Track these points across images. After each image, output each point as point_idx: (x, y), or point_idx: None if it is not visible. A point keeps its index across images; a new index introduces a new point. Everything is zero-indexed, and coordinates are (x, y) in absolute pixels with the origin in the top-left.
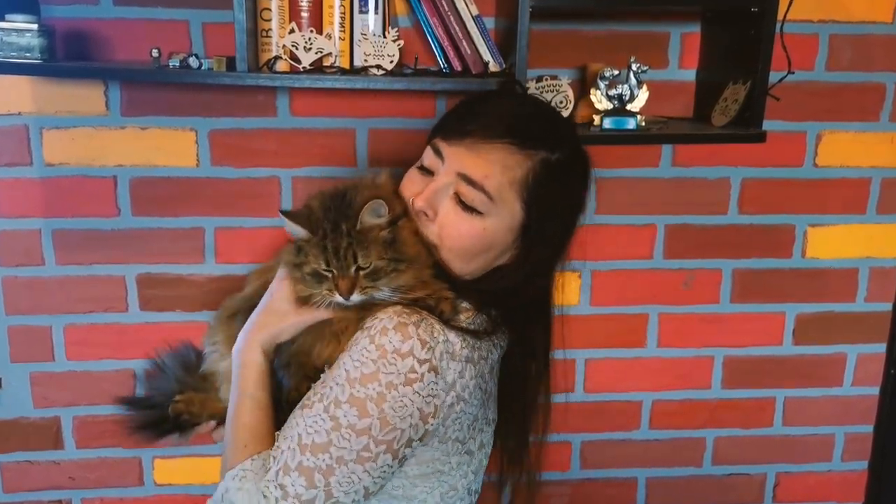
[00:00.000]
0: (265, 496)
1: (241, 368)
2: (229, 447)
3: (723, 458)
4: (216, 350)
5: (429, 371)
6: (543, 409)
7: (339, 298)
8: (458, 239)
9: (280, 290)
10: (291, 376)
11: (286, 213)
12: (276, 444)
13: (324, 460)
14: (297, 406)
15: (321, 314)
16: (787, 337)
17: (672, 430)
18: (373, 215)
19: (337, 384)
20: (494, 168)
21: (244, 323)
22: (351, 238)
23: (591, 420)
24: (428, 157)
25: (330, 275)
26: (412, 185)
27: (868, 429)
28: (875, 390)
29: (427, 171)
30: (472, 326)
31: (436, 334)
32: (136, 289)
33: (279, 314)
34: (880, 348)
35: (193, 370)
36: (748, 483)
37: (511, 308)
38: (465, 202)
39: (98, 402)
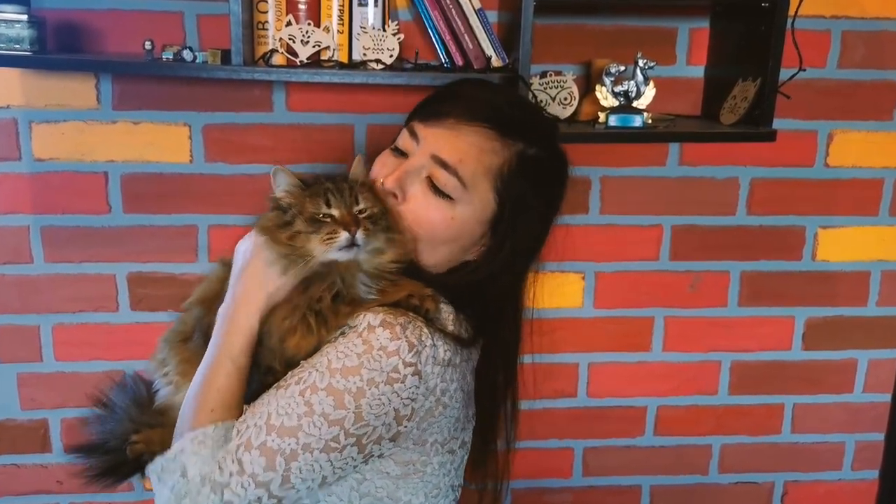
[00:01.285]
0: (220, 468)
1: (232, 333)
2: (193, 406)
3: (730, 465)
4: (169, 381)
5: (412, 374)
6: (511, 416)
7: (342, 239)
8: (427, 224)
9: (261, 251)
10: (259, 374)
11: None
12: (243, 418)
13: (289, 444)
14: (272, 387)
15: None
16: (797, 341)
17: (677, 437)
18: (360, 170)
19: (317, 371)
20: (470, 152)
21: (203, 345)
22: (348, 183)
23: (594, 425)
24: (403, 139)
25: (329, 219)
26: (383, 167)
27: (879, 437)
28: (887, 397)
29: (400, 154)
30: (455, 329)
31: (423, 338)
32: (127, 288)
33: (270, 273)
34: (892, 354)
35: (146, 405)
36: (756, 492)
37: (483, 309)
38: (436, 186)
39: (87, 405)
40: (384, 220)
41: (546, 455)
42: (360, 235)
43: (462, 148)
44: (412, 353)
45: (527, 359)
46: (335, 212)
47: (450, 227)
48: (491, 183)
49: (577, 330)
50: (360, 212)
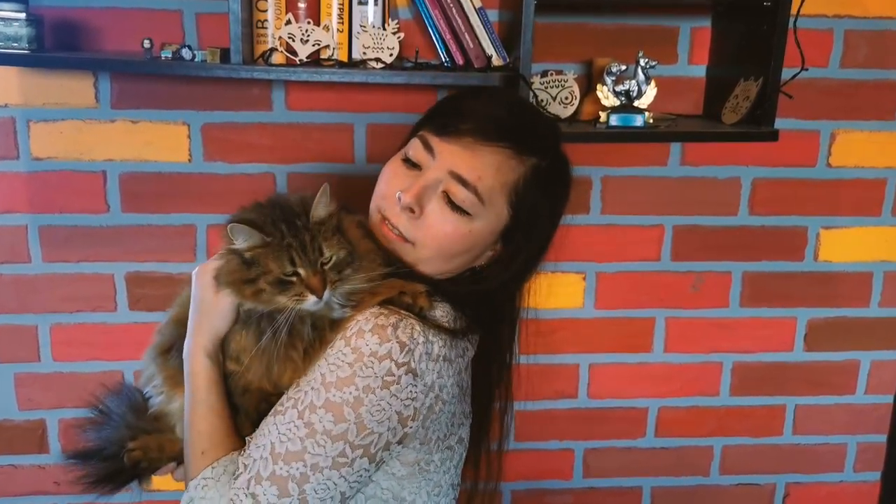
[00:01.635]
0: None
1: (191, 376)
2: (189, 455)
3: (731, 467)
4: (161, 392)
5: (406, 374)
6: (503, 416)
7: (310, 301)
8: (443, 238)
9: (200, 287)
10: (249, 401)
11: (240, 221)
12: (248, 451)
13: (297, 468)
14: (270, 413)
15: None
16: (799, 342)
17: (679, 438)
18: (323, 204)
19: (312, 388)
20: (488, 170)
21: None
22: (310, 232)
23: (595, 427)
24: (416, 151)
25: (295, 278)
26: (397, 179)
27: (881, 438)
28: (889, 398)
29: (413, 165)
30: (449, 324)
31: (415, 335)
32: (125, 288)
33: (209, 310)
34: (895, 355)
35: (142, 411)
36: (757, 493)
37: (487, 311)
38: (454, 202)
39: (84, 406)
40: (349, 257)
41: (546, 456)
42: (326, 294)
43: (480, 166)
44: (404, 352)
45: (527, 359)
46: (301, 271)
47: (465, 241)
48: (506, 197)
49: (578, 330)
50: (326, 262)
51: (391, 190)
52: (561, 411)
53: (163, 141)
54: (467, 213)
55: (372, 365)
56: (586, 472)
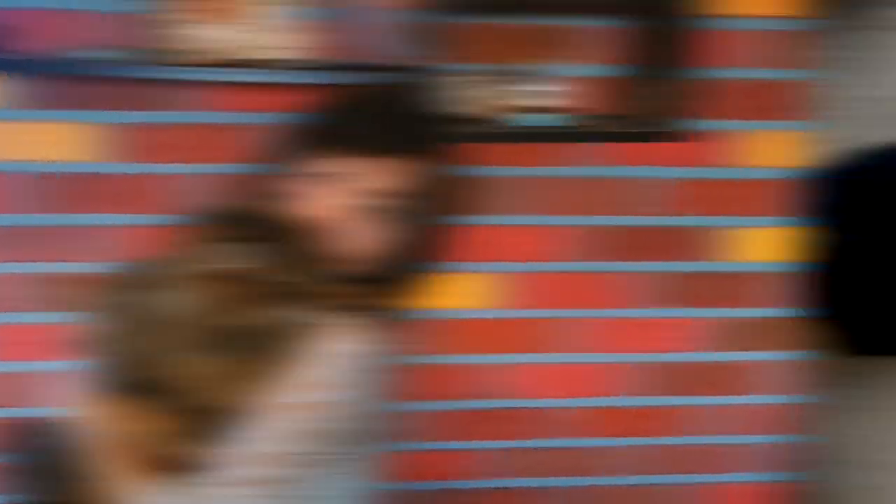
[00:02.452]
0: None
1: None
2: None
3: (636, 467)
4: None
5: (378, 370)
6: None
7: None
8: (379, 246)
9: None
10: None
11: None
12: (222, 459)
13: (281, 469)
14: (237, 424)
15: None
16: (708, 342)
17: (591, 438)
18: None
19: (288, 391)
20: (401, 174)
21: None
22: None
23: (503, 427)
24: (326, 167)
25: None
26: (314, 201)
27: (786, 438)
28: (795, 399)
29: (324, 180)
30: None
31: (382, 333)
32: (36, 289)
33: None
34: (799, 355)
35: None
36: (663, 494)
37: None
38: (382, 213)
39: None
40: None
41: (455, 456)
42: None
43: (396, 173)
44: (376, 349)
45: (446, 359)
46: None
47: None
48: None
49: (492, 330)
50: None
51: (308, 213)
52: (470, 412)
53: (75, 141)
54: (394, 217)
55: (349, 364)
56: (492, 472)
